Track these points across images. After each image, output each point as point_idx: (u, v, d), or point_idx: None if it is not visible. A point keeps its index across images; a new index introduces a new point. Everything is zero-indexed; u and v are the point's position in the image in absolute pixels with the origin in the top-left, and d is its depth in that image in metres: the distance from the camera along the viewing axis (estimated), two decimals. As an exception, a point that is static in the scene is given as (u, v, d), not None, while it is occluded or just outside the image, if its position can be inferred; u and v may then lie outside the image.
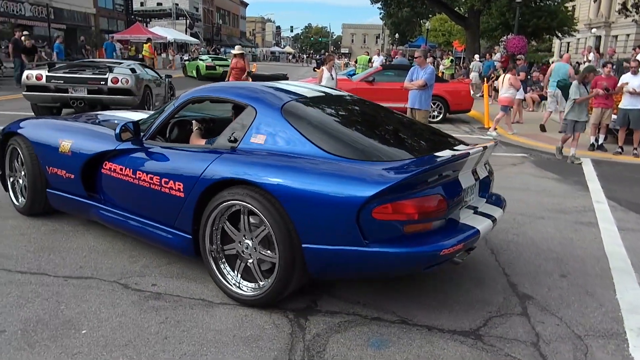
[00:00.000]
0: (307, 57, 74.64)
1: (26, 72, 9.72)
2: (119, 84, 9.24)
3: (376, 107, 3.98)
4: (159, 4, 49.91)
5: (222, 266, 3.06)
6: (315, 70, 40.32)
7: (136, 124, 3.53)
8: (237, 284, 3.00)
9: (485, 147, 3.16)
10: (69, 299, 2.93)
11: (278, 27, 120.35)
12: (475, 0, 24.95)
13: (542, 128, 11.00)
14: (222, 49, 42.75)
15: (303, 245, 2.69)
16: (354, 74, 16.00)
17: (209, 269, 3.10)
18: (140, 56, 24.93)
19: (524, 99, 15.07)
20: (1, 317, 2.71)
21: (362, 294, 3.16)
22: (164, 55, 33.96)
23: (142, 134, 3.56)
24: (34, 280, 3.12)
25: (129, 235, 3.69)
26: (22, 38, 16.45)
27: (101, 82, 9.26)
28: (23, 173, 4.21)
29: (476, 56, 22.61)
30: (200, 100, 3.70)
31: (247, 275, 3.00)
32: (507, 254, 4.01)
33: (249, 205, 2.78)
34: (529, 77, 15.60)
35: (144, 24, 40.37)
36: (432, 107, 12.58)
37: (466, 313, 3.01)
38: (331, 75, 9.74)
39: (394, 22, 61.73)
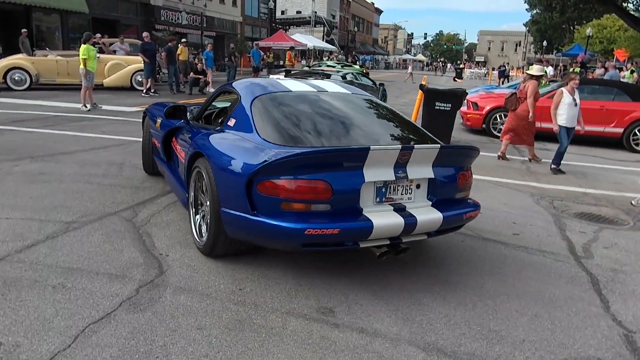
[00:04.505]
0: (442, 64, 71.77)
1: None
2: None
3: (368, 103, 4.18)
4: (299, 12, 50.86)
5: (193, 212, 3.86)
6: (456, 80, 37.79)
7: (183, 107, 4.55)
8: (199, 231, 3.75)
9: (408, 148, 3.08)
10: None
11: (410, 35, 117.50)
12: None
13: None
14: (359, 57, 42.17)
15: (221, 209, 3.27)
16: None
17: (188, 215, 3.94)
18: (281, 62, 25.12)
19: None
20: None
21: None
22: (303, 62, 34.16)
23: (191, 115, 4.60)
24: None
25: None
26: (179, 49, 16.75)
27: None
28: None
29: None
30: (227, 92, 4.40)
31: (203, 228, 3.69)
32: None
33: (203, 171, 3.49)
34: None
35: (284, 31, 41.19)
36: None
37: None
38: (574, 100, 7.32)
39: (539, 28, 56.66)
